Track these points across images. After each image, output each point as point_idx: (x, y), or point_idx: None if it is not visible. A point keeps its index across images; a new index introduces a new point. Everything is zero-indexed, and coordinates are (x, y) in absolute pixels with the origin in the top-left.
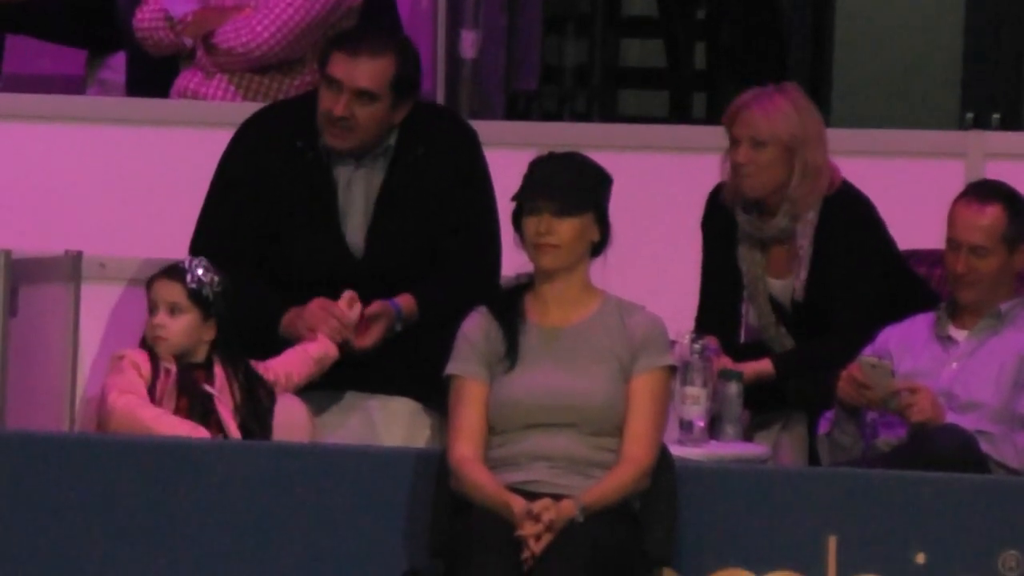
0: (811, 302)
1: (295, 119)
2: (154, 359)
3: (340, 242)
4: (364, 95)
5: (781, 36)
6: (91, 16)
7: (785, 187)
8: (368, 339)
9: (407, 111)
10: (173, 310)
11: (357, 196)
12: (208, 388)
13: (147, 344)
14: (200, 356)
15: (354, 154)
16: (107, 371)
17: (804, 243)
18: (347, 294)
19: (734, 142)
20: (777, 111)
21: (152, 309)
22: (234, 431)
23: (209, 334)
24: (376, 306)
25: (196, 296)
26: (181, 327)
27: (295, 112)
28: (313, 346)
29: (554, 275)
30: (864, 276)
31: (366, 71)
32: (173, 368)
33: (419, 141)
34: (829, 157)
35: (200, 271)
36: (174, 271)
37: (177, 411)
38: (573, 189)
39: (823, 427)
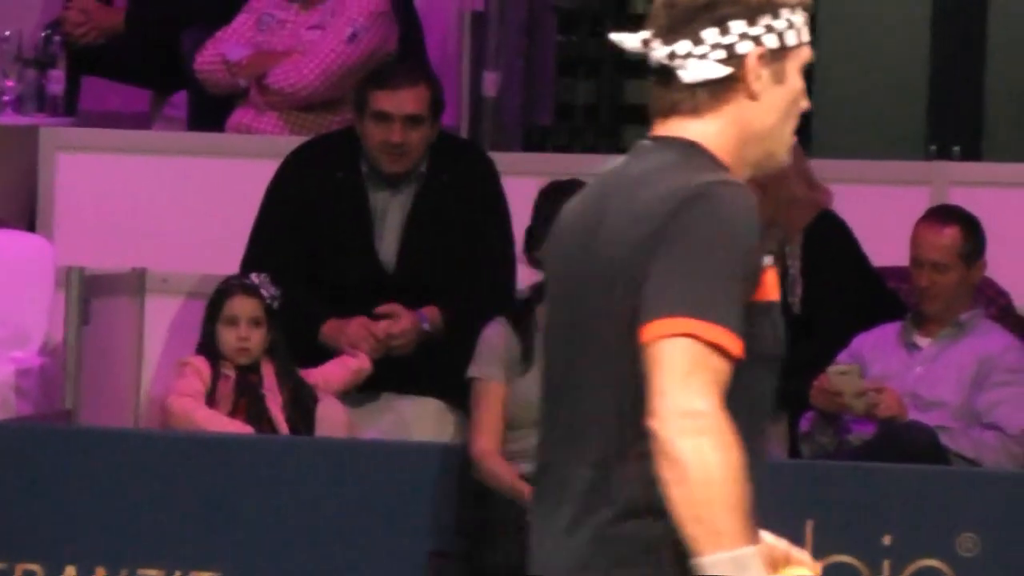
0: (809, 315)
1: (335, 151)
2: (214, 365)
3: (374, 259)
4: (413, 119)
5: None
6: (157, 59)
7: (763, 216)
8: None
9: (436, 134)
10: (255, 323)
11: (390, 219)
12: (265, 389)
13: (207, 351)
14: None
15: (390, 179)
16: (172, 376)
17: (796, 263)
18: (382, 313)
19: None
20: None
21: (232, 322)
22: (283, 428)
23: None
24: (404, 314)
25: (269, 310)
26: (261, 338)
27: (335, 145)
28: (352, 360)
29: None
30: (841, 290)
31: (411, 98)
32: (232, 373)
33: (444, 170)
34: (819, 184)
35: (268, 287)
36: (250, 288)
37: (235, 410)
38: None
39: (804, 426)
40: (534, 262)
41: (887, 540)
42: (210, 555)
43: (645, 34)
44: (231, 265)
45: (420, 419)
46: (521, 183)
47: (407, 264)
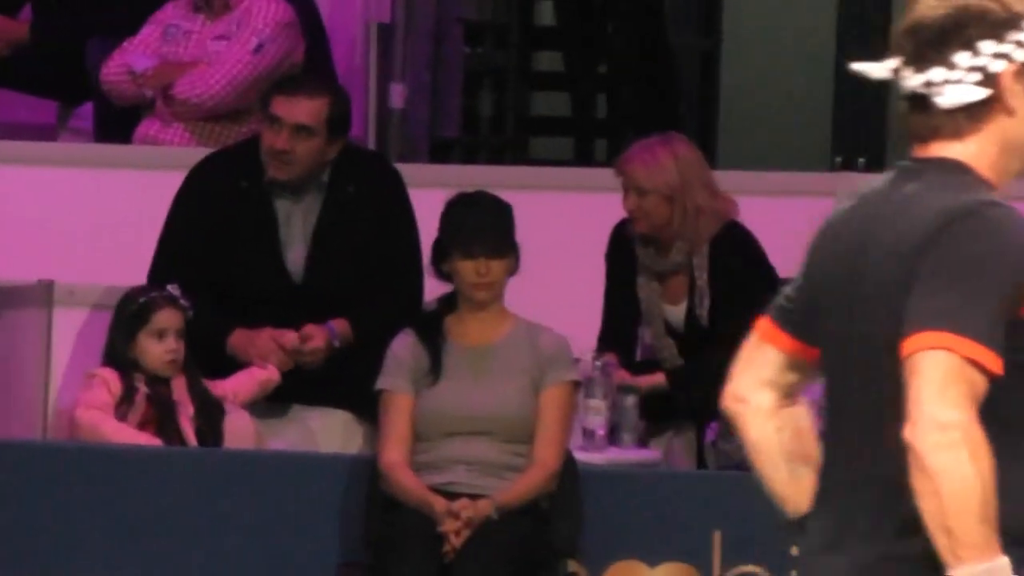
0: (715, 326)
1: (239, 161)
2: (125, 376)
3: (281, 270)
4: (302, 129)
5: (674, 88)
6: (63, 70)
7: (670, 227)
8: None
9: (338, 150)
10: (180, 335)
11: (296, 228)
12: (175, 401)
13: (117, 362)
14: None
15: (292, 188)
16: (80, 388)
17: (703, 275)
18: (300, 334)
19: (624, 189)
20: (656, 164)
21: (160, 334)
22: (192, 440)
23: None
24: (314, 330)
25: (188, 322)
26: (183, 349)
27: (239, 155)
28: (261, 372)
29: (480, 305)
30: (747, 301)
31: (304, 109)
32: (143, 386)
33: (350, 180)
34: (723, 194)
35: (184, 298)
36: (175, 300)
37: (145, 421)
38: (503, 234)
39: (710, 436)
40: (441, 274)
41: (794, 551)
42: (119, 567)
43: (892, 63)
44: (139, 276)
45: (328, 431)
46: (428, 195)
47: (314, 274)
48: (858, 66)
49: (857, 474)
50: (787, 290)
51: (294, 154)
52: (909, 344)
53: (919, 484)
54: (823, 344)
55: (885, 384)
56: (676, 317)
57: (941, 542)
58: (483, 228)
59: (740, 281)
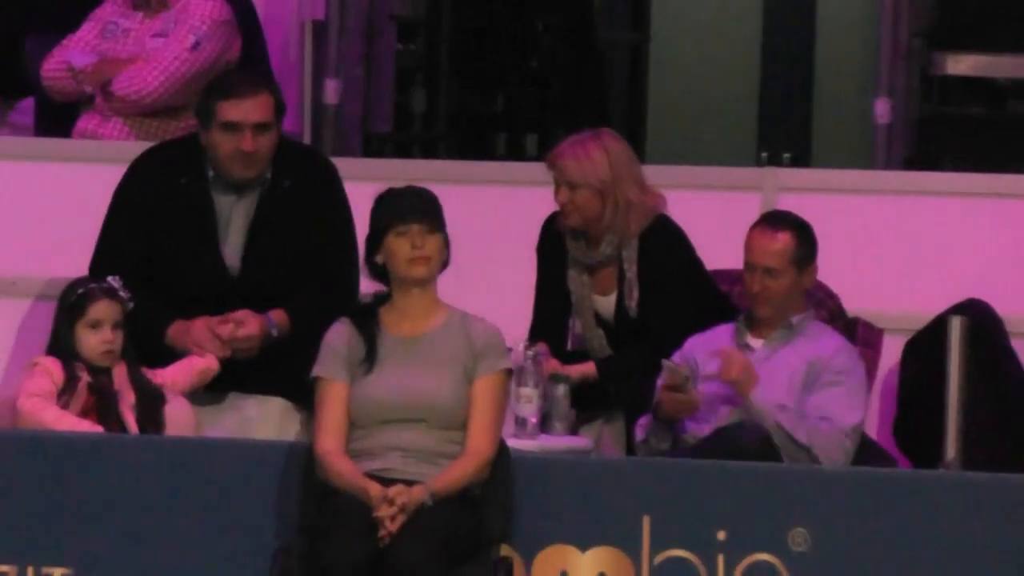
0: (643, 317)
1: (180, 157)
2: (67, 365)
3: (219, 263)
4: (262, 127)
5: (603, 84)
6: (2, 66)
7: (602, 220)
8: (246, 349)
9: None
10: (116, 326)
11: (234, 223)
12: (116, 389)
13: (59, 352)
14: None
15: (239, 187)
16: (22, 376)
17: (632, 267)
18: (231, 320)
19: (555, 183)
20: (587, 158)
21: (95, 326)
22: (133, 427)
23: None
24: (247, 315)
25: (126, 313)
26: (121, 340)
27: (180, 151)
28: (199, 361)
29: (417, 288)
30: (675, 293)
31: (257, 106)
32: (84, 375)
33: (287, 174)
34: (651, 188)
35: (123, 290)
36: (111, 292)
37: (87, 409)
38: (434, 212)
39: (639, 435)
40: (375, 270)
41: (721, 535)
42: (60, 552)
43: None
44: (79, 268)
45: (265, 418)
46: (361, 188)
47: (251, 268)
48: None
49: None
50: None
51: (260, 151)
52: None
53: None
54: None
55: None
56: (606, 308)
57: None
58: (415, 206)
59: (668, 273)
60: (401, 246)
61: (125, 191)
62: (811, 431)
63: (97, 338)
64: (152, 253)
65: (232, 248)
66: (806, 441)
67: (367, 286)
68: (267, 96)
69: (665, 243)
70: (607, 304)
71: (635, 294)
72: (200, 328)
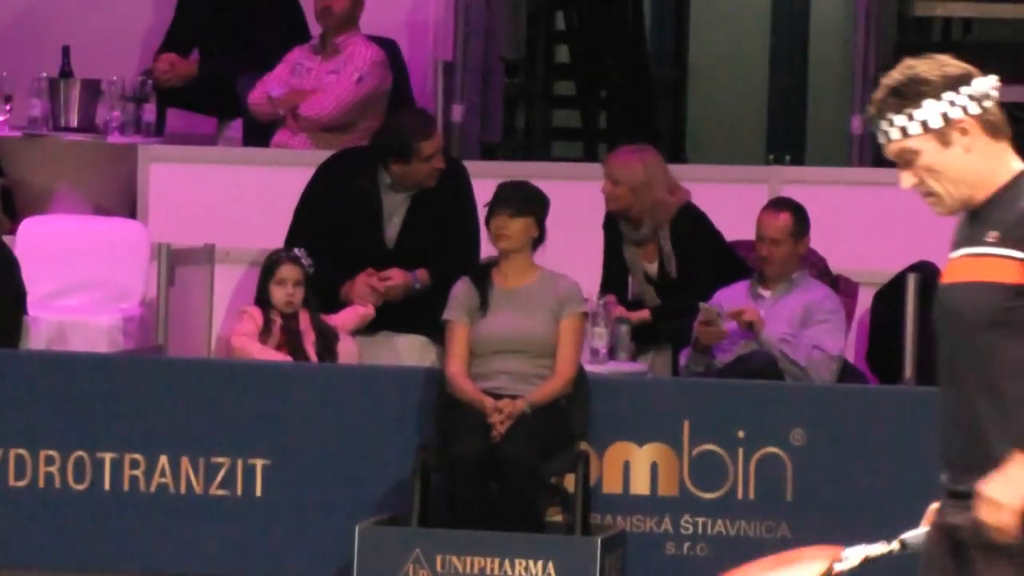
0: (681, 277)
1: (358, 162)
2: (265, 312)
3: (380, 240)
4: (444, 151)
5: (653, 107)
6: (221, 96)
7: (632, 210)
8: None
9: None
10: (297, 284)
11: (396, 213)
12: (301, 330)
13: (261, 303)
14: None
15: (406, 189)
16: (234, 321)
17: (667, 243)
18: (381, 274)
19: (605, 178)
20: (629, 165)
21: (281, 283)
22: (314, 358)
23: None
24: (397, 274)
25: (306, 274)
26: (301, 295)
27: (358, 157)
28: (360, 308)
29: (509, 255)
30: (705, 259)
31: (439, 138)
32: (279, 319)
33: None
34: (679, 187)
35: (306, 258)
36: (295, 259)
37: (280, 345)
38: (518, 201)
39: (682, 361)
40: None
41: (741, 434)
42: (263, 446)
43: None
44: (277, 241)
45: (410, 350)
46: (480, 183)
47: (404, 244)
48: None
49: None
50: None
51: (440, 169)
52: None
53: None
54: None
55: None
56: (652, 271)
57: None
58: (506, 197)
59: (695, 245)
60: (494, 227)
61: (314, 185)
62: (807, 357)
63: (283, 292)
64: (332, 232)
65: (391, 229)
66: (803, 364)
67: (488, 252)
68: (440, 132)
69: (691, 224)
70: (653, 268)
71: (672, 262)
72: (360, 283)
